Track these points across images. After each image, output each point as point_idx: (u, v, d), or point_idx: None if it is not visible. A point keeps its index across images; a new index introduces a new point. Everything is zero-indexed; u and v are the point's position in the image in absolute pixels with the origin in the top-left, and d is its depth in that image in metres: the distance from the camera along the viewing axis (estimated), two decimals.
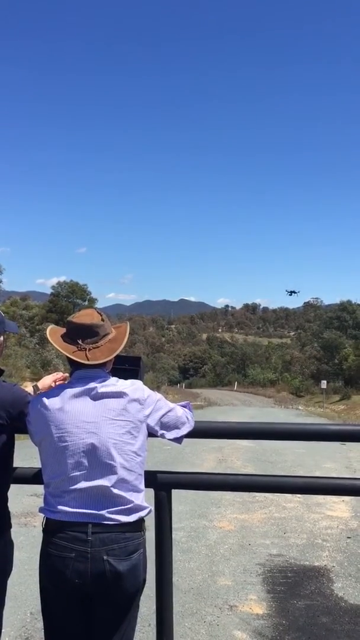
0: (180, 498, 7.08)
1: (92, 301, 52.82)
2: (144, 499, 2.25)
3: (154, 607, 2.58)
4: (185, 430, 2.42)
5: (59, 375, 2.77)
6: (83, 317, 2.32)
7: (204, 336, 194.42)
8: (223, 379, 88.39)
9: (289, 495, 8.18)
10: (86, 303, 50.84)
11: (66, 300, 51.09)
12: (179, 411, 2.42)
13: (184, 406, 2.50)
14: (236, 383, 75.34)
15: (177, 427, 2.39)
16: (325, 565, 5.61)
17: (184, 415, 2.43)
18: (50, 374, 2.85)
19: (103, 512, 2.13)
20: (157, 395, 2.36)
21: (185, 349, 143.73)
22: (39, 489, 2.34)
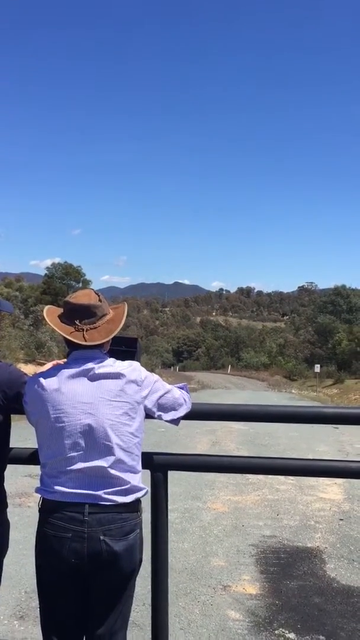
0: (173, 480, 7.10)
1: (87, 283, 52.52)
2: (140, 480, 2.25)
3: (149, 586, 2.59)
4: (182, 412, 2.42)
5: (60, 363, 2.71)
6: (80, 297, 2.30)
7: (198, 319, 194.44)
8: (217, 362, 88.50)
9: (282, 478, 8.25)
10: (80, 285, 50.58)
11: (60, 282, 50.84)
12: (176, 393, 2.41)
13: (181, 388, 2.49)
14: (230, 366, 75.41)
15: (174, 409, 2.38)
16: (317, 546, 5.66)
17: (181, 397, 2.42)
18: (44, 355, 2.82)
19: (100, 492, 2.13)
20: (155, 377, 2.35)
21: (179, 332, 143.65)
22: (34, 469, 2.33)
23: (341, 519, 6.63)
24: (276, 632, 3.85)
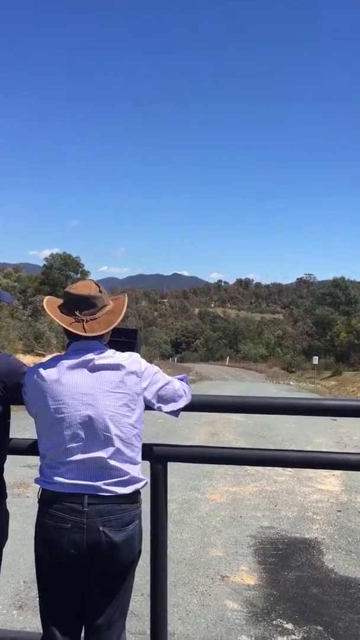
0: (172, 471, 7.08)
1: (85, 274, 52.51)
2: (140, 471, 2.25)
3: (148, 577, 2.59)
4: (182, 403, 2.41)
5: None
6: (81, 288, 2.28)
7: (197, 311, 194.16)
8: (215, 354, 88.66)
9: (280, 469, 8.27)
10: (79, 276, 50.57)
11: (59, 273, 50.83)
12: (176, 384, 2.40)
13: (181, 379, 2.48)
14: (228, 358, 75.52)
15: (174, 400, 2.38)
16: (315, 537, 5.68)
17: (181, 388, 2.41)
18: (42, 346, 2.81)
19: (99, 483, 2.13)
20: (155, 368, 2.34)
21: (178, 323, 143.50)
22: (32, 459, 2.32)
23: (339, 511, 6.65)
24: (274, 622, 3.87)
